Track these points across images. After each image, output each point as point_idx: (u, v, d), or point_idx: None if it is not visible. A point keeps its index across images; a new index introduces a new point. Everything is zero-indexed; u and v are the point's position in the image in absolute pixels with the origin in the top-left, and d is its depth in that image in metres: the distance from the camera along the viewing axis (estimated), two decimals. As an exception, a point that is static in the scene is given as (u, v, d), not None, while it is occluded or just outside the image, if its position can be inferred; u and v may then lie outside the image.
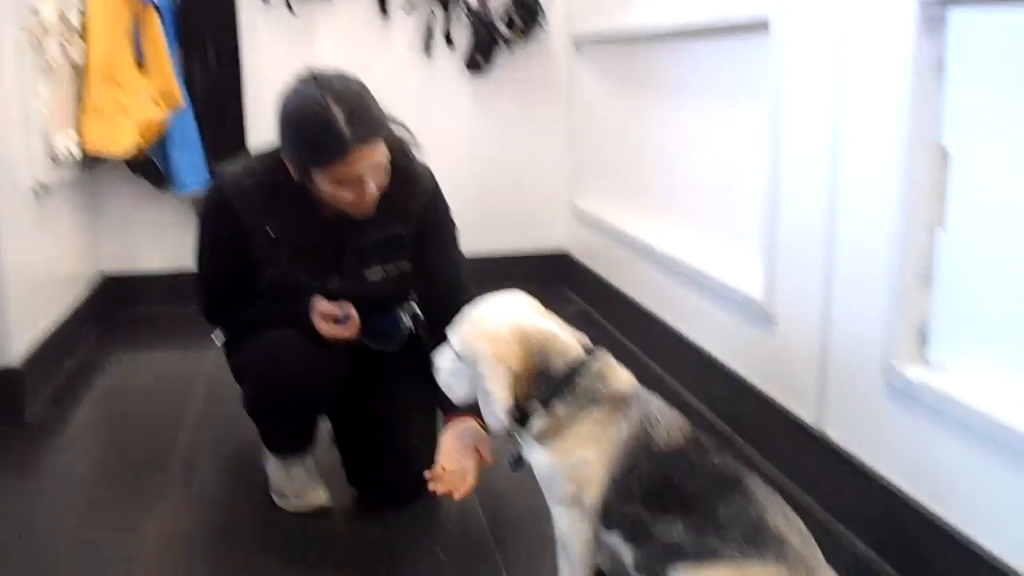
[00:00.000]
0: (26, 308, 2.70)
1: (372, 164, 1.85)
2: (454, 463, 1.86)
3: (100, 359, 3.15)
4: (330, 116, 1.78)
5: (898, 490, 1.78)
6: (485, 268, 3.82)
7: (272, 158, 1.95)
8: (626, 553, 1.56)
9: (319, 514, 2.07)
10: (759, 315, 2.28)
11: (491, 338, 1.54)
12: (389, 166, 1.90)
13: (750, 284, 2.33)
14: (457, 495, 1.81)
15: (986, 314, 1.60)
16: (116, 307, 3.64)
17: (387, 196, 1.93)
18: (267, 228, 1.95)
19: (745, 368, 2.40)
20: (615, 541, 1.56)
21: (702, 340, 2.66)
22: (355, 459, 2.15)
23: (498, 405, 1.51)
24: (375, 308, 2.07)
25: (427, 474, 1.84)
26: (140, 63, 3.34)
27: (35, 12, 2.80)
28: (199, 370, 2.96)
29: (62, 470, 2.37)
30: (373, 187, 1.88)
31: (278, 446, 2.14)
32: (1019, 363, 1.53)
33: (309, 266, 1.99)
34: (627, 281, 3.29)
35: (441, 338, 1.68)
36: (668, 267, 2.86)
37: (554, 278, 3.96)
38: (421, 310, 2.18)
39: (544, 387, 1.54)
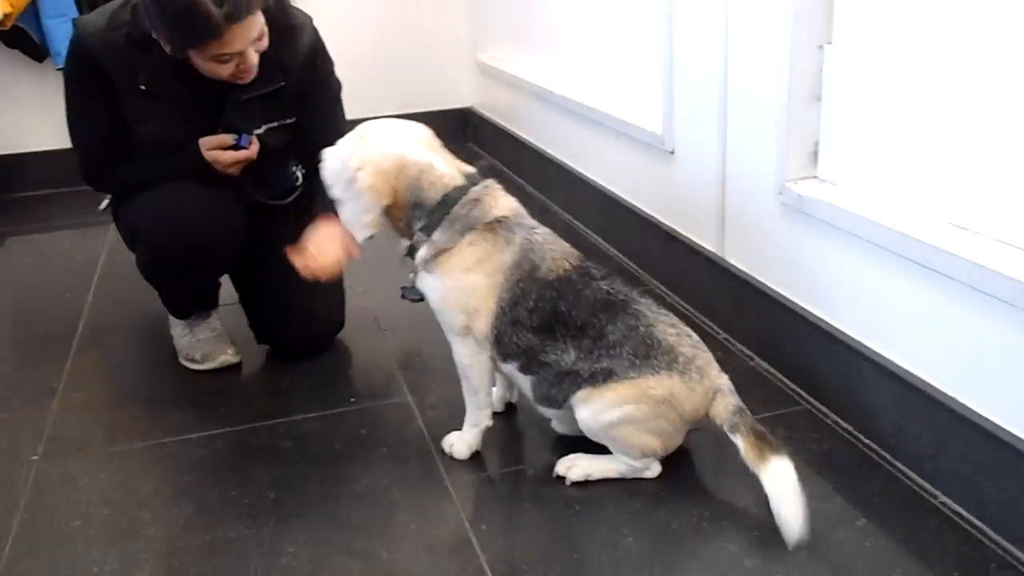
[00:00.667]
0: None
1: (248, 39, 1.75)
2: (321, 249, 1.82)
3: (-8, 242, 3.04)
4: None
5: (793, 303, 1.84)
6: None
7: (133, 4, 1.82)
8: (524, 384, 1.61)
9: (230, 370, 2.07)
10: (659, 149, 2.29)
11: (372, 167, 1.54)
12: (266, 28, 1.81)
13: (649, 120, 2.33)
14: (322, 276, 1.80)
15: (872, 127, 1.63)
16: (5, 188, 3.49)
17: (265, 52, 1.85)
18: (140, 84, 1.85)
19: (648, 204, 2.43)
20: (512, 371, 1.61)
21: (606, 181, 2.67)
22: (260, 318, 2.13)
23: (361, 231, 1.58)
24: (264, 163, 2.00)
25: (290, 248, 1.81)
26: (-2, -78, 3.09)
27: None
28: (96, 246, 2.88)
29: (-40, 351, 2.30)
30: (253, 56, 1.80)
31: (180, 311, 2.10)
32: (903, 173, 1.57)
33: (190, 121, 1.91)
34: (532, 130, 3.26)
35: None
36: (571, 111, 2.84)
37: (460, 134, 3.91)
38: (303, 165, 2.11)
39: (422, 217, 1.56)
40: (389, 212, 1.59)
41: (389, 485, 1.62)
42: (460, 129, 3.92)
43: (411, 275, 1.64)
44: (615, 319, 1.51)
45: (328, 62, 2.04)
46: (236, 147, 1.91)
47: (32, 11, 3.25)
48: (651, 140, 2.32)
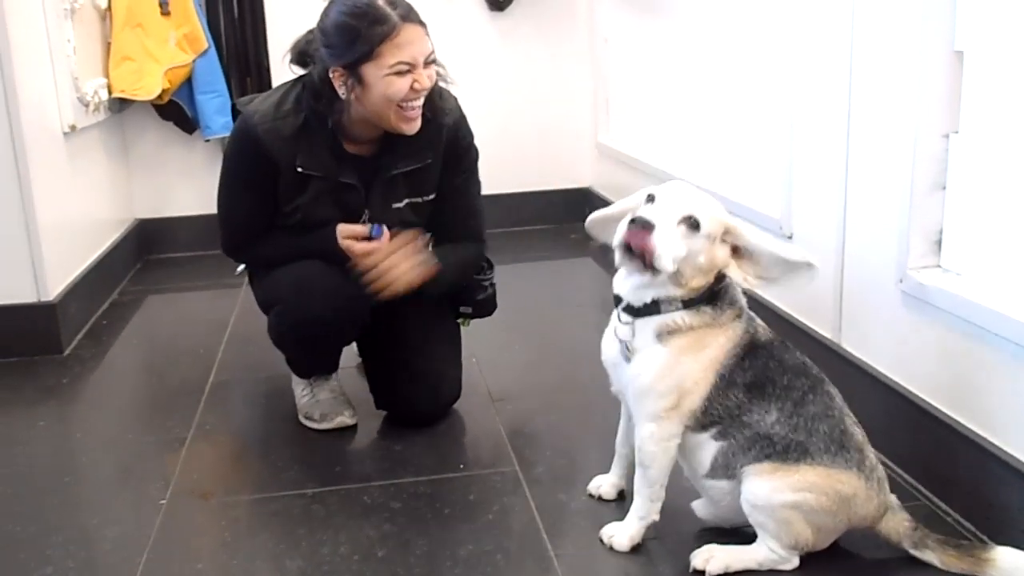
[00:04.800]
0: (61, 246, 2.77)
1: (422, 50, 1.88)
2: (395, 266, 1.99)
3: (135, 298, 3.24)
4: (373, 2, 1.85)
5: (914, 396, 1.80)
6: (509, 206, 3.90)
7: (297, 93, 1.98)
8: (705, 456, 1.56)
9: (346, 431, 2.14)
10: (777, 234, 2.28)
11: (726, 222, 1.54)
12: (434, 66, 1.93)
13: (769, 204, 2.33)
14: (386, 294, 1.97)
15: (998, 217, 1.60)
16: (149, 249, 3.73)
17: (423, 115, 1.95)
18: (297, 166, 1.97)
19: (765, 287, 2.41)
20: (701, 442, 1.55)
21: (723, 265, 2.67)
22: (381, 382, 2.20)
23: (672, 259, 1.46)
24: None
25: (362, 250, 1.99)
26: (164, 7, 3.38)
27: (58, -45, 2.84)
28: (229, 308, 3.03)
29: (99, 397, 2.45)
30: (427, 78, 1.90)
31: (304, 372, 2.20)
32: (1031, 262, 1.54)
33: (338, 200, 2.02)
34: (650, 212, 3.29)
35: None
36: (689, 194, 2.86)
37: (577, 214, 3.97)
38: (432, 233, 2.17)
39: (703, 287, 1.54)
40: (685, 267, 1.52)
41: (493, 552, 1.64)
42: (578, 209, 3.98)
43: (620, 327, 1.58)
44: (814, 389, 1.52)
45: (470, 132, 2.13)
46: (369, 238, 2.01)
47: (187, 87, 3.51)
48: (769, 224, 2.32)
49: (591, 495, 1.79)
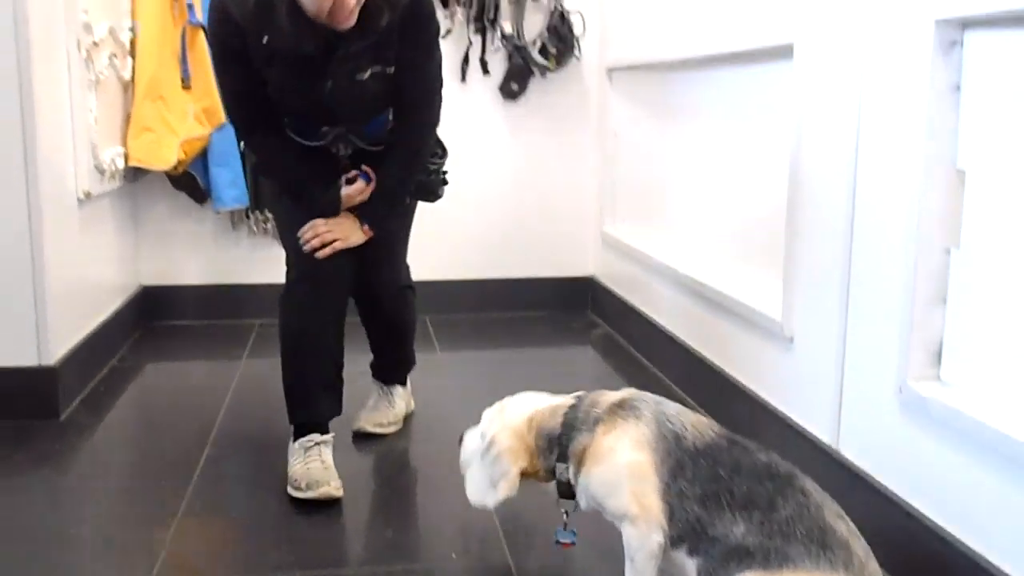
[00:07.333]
0: (66, 311, 2.79)
1: None
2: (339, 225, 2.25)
3: (134, 365, 3.24)
4: None
5: (911, 507, 1.79)
6: (512, 292, 3.93)
7: None
8: (691, 572, 1.52)
9: (336, 510, 2.14)
10: (777, 336, 2.30)
11: (510, 431, 1.73)
12: None
13: (769, 305, 2.36)
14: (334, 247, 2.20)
15: (998, 332, 1.62)
16: (151, 317, 3.74)
17: (367, 7, 2.03)
18: (263, 38, 2.07)
19: (764, 389, 2.42)
20: (680, 558, 1.54)
21: (722, 362, 2.68)
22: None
23: (495, 494, 1.72)
24: (367, 108, 2.25)
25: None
26: (185, 81, 3.46)
27: (88, 29, 2.92)
28: (228, 379, 3.03)
29: (92, 466, 2.43)
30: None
31: (302, 412, 2.28)
32: (1029, 380, 1.55)
33: (303, 72, 2.13)
34: (651, 304, 3.32)
35: (405, 136, 2.28)
36: (690, 289, 2.90)
37: (580, 302, 4.01)
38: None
39: (555, 449, 1.68)
40: (527, 471, 1.72)
41: (482, 647, 1.62)
42: (581, 297, 4.02)
43: (565, 514, 1.73)
44: (783, 491, 1.44)
45: (430, 4, 2.21)
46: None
47: (201, 159, 3.58)
48: (770, 326, 2.34)
49: None
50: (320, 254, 2.21)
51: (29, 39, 2.52)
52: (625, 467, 1.56)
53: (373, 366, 2.67)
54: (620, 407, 1.62)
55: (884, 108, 1.87)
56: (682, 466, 1.52)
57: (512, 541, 1.99)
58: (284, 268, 2.31)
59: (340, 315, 2.31)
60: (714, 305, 2.73)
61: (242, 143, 2.39)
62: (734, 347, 2.62)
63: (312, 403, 2.28)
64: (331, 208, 2.26)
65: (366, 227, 2.28)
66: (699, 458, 1.52)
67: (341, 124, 2.27)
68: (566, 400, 1.73)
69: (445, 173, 2.47)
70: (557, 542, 1.77)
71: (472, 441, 1.83)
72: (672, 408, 1.61)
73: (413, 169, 2.34)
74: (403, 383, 2.69)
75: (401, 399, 2.67)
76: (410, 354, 2.70)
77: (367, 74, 2.17)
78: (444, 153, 2.44)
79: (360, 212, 2.28)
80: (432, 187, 2.44)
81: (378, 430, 2.58)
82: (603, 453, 1.60)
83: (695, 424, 1.57)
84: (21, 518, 2.10)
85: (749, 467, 1.49)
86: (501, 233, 3.96)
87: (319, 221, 2.23)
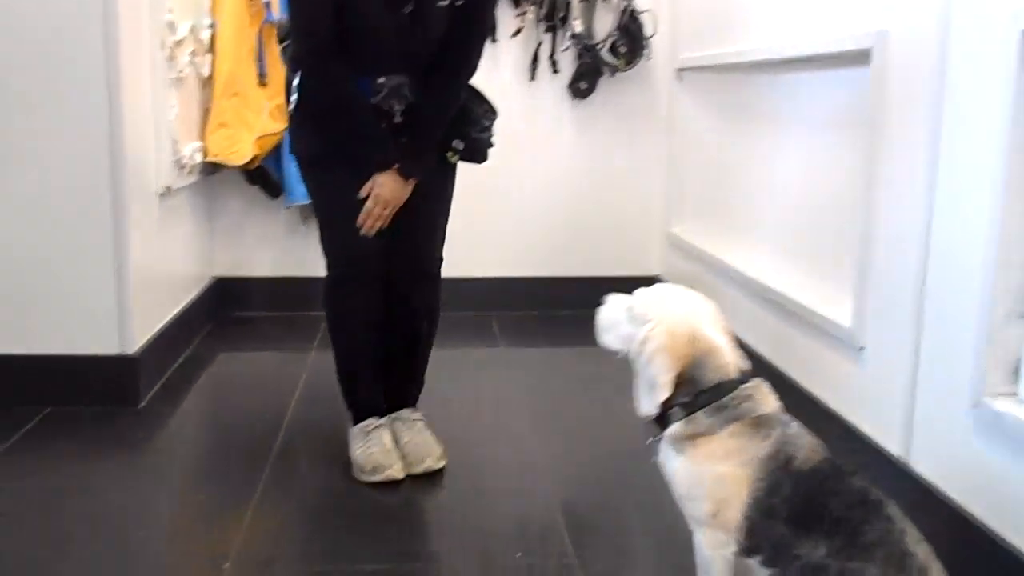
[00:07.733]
0: (146, 302, 2.89)
1: None
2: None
3: (209, 355, 3.33)
4: None
5: (984, 525, 1.77)
6: (578, 290, 3.93)
7: None
8: None
9: (405, 499, 2.21)
10: (848, 344, 2.28)
11: (671, 332, 1.57)
12: None
13: (840, 313, 2.34)
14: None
15: (1080, 350, 1.59)
16: (224, 307, 3.84)
17: None
18: None
19: (832, 398, 2.40)
20: (753, 567, 1.54)
21: (790, 368, 2.67)
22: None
23: (659, 394, 1.55)
24: (434, 42, 2.22)
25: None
26: (262, 78, 3.54)
27: (172, 28, 3.01)
28: (299, 370, 3.11)
29: (169, 451, 2.53)
30: None
31: (357, 399, 2.37)
32: (1112, 401, 1.52)
33: None
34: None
35: (452, 65, 2.24)
36: (759, 295, 2.88)
37: (645, 303, 4.00)
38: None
39: (689, 394, 1.56)
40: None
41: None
42: (644, 296, 4.01)
43: (650, 441, 1.64)
44: (870, 518, 1.45)
45: None
46: None
47: (275, 154, 3.65)
48: (840, 333, 2.32)
49: None
50: (367, 228, 2.22)
51: (118, 39, 2.60)
52: (720, 478, 1.53)
53: (388, 394, 2.44)
54: (762, 420, 1.55)
55: (964, 118, 1.84)
56: (781, 485, 1.51)
57: (576, 539, 2.01)
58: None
59: (381, 299, 2.33)
60: (781, 309, 2.71)
61: (298, 92, 2.28)
62: (801, 353, 2.60)
63: (367, 388, 2.35)
64: (385, 165, 2.20)
65: (411, 179, 2.23)
66: (800, 480, 1.51)
67: (402, 69, 2.21)
68: (732, 359, 1.60)
69: (493, 135, 2.41)
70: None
71: (615, 310, 1.67)
72: (794, 429, 1.57)
73: (450, 100, 2.28)
74: (415, 404, 2.51)
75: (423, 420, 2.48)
76: (423, 371, 2.51)
77: (447, 2, 2.17)
78: (496, 114, 2.39)
79: (400, 161, 2.21)
80: (482, 146, 2.37)
81: (440, 464, 2.37)
82: (714, 453, 1.55)
83: (809, 447, 1.55)
84: (103, 502, 2.19)
85: (843, 493, 1.49)
86: (567, 231, 3.97)
87: (369, 205, 2.21)
